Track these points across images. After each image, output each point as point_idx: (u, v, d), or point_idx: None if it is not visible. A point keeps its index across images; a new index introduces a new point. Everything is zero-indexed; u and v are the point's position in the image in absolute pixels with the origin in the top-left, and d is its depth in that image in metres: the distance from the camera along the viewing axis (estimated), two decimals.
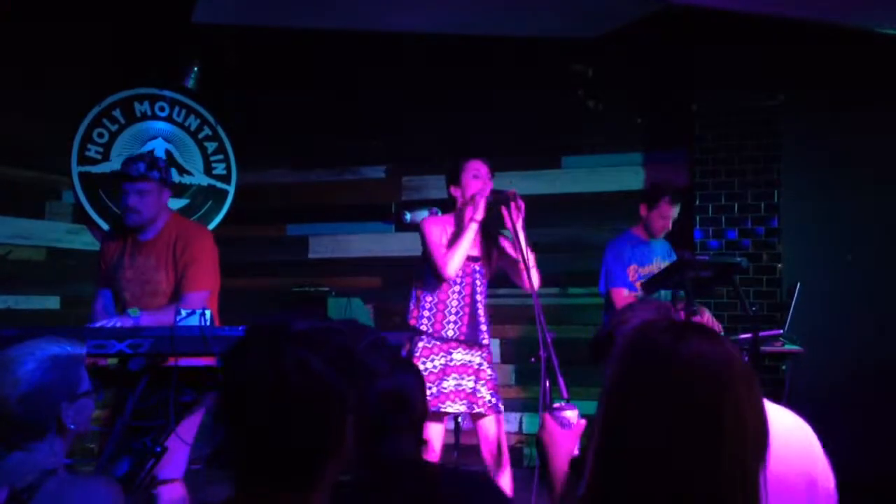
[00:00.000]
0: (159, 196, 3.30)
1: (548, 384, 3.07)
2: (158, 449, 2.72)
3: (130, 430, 2.78)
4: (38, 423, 1.79)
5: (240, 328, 2.77)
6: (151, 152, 3.41)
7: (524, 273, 3.38)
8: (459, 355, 3.55)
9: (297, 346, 1.15)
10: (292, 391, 1.12)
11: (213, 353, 2.71)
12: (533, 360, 3.48)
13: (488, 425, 3.55)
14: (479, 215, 3.45)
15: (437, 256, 3.49)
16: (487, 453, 3.55)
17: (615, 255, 4.26)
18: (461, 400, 3.49)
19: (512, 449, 5.19)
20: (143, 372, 2.75)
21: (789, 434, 1.64)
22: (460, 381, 3.52)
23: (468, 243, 3.46)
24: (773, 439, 1.59)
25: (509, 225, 3.48)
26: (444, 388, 3.47)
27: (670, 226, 4.25)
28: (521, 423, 5.35)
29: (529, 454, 5.21)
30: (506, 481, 3.52)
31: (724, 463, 1.10)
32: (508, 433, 5.21)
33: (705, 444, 1.10)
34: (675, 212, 4.22)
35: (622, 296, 4.18)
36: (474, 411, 3.52)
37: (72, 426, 1.84)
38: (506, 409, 3.74)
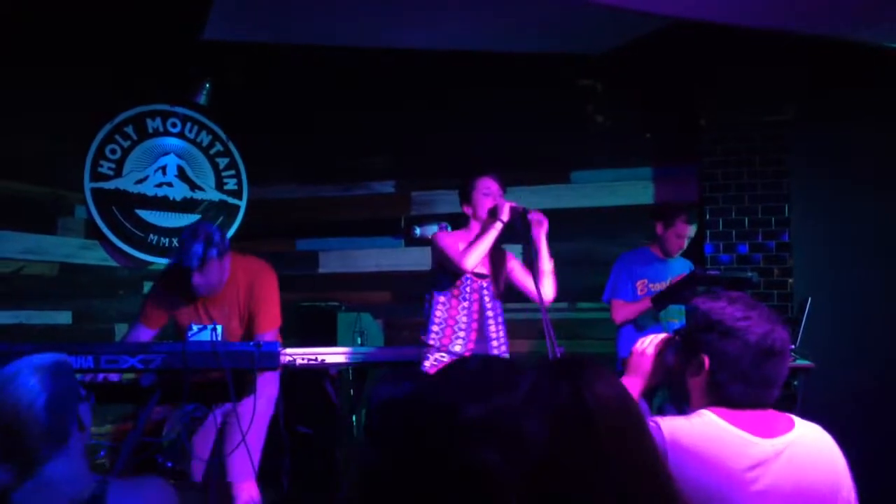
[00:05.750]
0: (221, 264, 3.35)
1: None
2: (170, 464, 2.73)
3: (142, 444, 2.79)
4: (64, 428, 1.80)
5: (252, 345, 2.78)
6: (203, 228, 3.40)
7: (537, 287, 3.40)
8: None
9: (468, 443, 1.04)
10: (458, 492, 1.03)
11: (224, 368, 2.72)
12: None
13: None
14: (505, 217, 3.48)
15: (453, 254, 3.49)
16: None
17: (623, 266, 4.31)
18: None
19: None
20: (154, 387, 2.77)
21: (818, 446, 1.67)
22: None
23: (490, 241, 3.47)
24: (801, 451, 1.61)
25: (536, 236, 3.53)
26: None
27: (685, 245, 4.26)
28: None
29: None
30: None
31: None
32: None
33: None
34: (691, 231, 4.24)
35: (619, 306, 4.20)
36: None
37: (88, 425, 1.87)
38: None
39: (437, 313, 3.60)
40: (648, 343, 1.87)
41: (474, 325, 3.60)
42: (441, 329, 3.59)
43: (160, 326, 3.52)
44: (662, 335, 1.89)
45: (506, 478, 1.04)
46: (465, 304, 3.60)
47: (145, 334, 3.49)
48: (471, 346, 3.58)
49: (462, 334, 3.58)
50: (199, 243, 3.23)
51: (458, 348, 3.56)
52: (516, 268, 3.72)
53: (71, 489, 1.73)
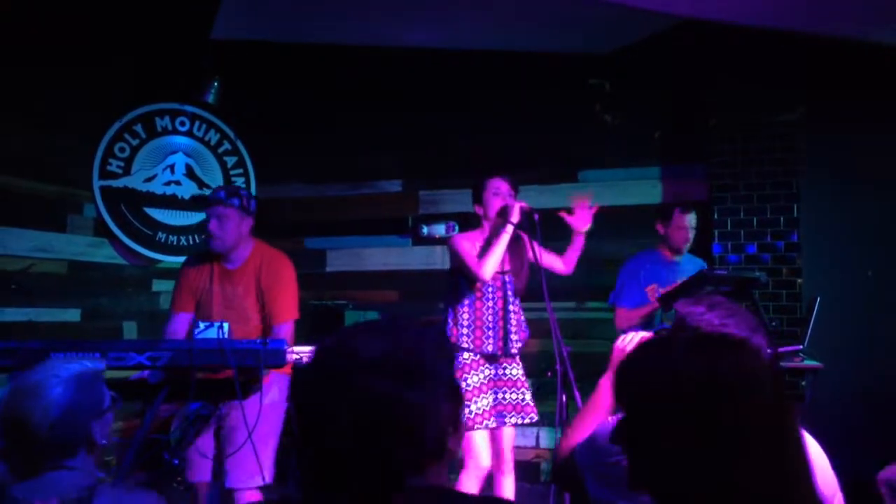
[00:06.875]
0: (239, 223, 3.44)
1: (564, 398, 3.08)
2: (176, 462, 2.73)
3: (149, 442, 2.80)
4: (71, 445, 1.80)
5: (259, 342, 2.79)
6: (233, 184, 3.57)
7: (542, 287, 3.39)
8: (500, 370, 3.65)
9: (368, 377, 1.11)
10: (368, 421, 1.10)
11: (231, 366, 2.73)
12: (549, 374, 3.49)
13: (509, 431, 3.60)
14: (515, 219, 3.50)
15: (471, 263, 3.53)
16: (498, 457, 3.59)
17: (631, 272, 4.23)
18: (493, 416, 3.55)
19: (529, 464, 5.18)
20: (161, 385, 2.77)
21: (816, 458, 1.66)
22: (503, 394, 3.59)
23: (504, 245, 3.51)
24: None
25: (526, 240, 3.55)
26: (479, 408, 3.51)
27: (691, 236, 4.20)
28: (537, 437, 5.33)
29: (547, 469, 5.19)
30: (509, 487, 3.58)
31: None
32: (525, 448, 5.20)
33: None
34: (690, 220, 4.17)
35: (622, 314, 4.16)
36: (509, 424, 3.58)
37: (102, 442, 1.87)
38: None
39: (465, 316, 3.65)
40: (629, 340, 1.87)
41: (500, 324, 3.65)
42: (471, 332, 3.63)
43: (193, 310, 3.53)
44: (642, 333, 1.89)
45: (405, 404, 1.11)
46: (490, 303, 3.66)
47: (182, 320, 3.50)
48: (500, 344, 3.63)
49: (491, 334, 3.63)
50: (223, 190, 3.46)
51: (489, 348, 3.60)
52: (542, 253, 3.62)
53: (64, 491, 1.73)
